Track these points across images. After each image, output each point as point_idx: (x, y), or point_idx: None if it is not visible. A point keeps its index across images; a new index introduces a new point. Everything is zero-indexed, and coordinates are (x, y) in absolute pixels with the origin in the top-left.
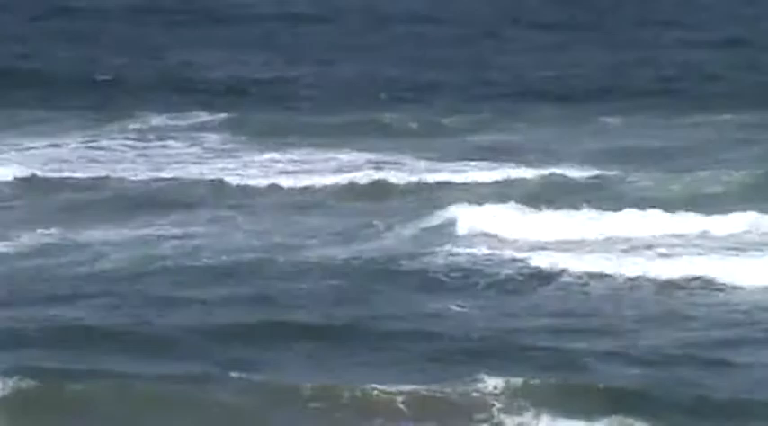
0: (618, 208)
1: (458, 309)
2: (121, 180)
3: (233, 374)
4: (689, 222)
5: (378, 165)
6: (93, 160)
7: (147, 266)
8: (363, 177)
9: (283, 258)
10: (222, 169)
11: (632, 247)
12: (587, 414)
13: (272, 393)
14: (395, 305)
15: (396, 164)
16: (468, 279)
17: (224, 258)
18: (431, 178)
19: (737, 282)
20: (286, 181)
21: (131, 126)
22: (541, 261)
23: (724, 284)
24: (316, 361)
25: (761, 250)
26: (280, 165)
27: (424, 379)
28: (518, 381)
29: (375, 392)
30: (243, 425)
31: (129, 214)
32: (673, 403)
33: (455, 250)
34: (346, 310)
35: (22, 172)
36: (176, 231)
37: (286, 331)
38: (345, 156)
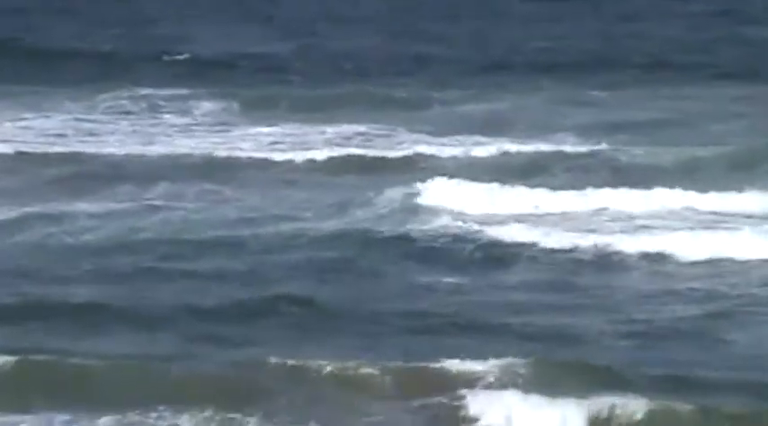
0: (606, 181)
1: (442, 284)
2: (112, 153)
3: (218, 349)
4: (678, 195)
5: (368, 138)
6: (83, 132)
7: (135, 239)
8: (353, 150)
9: (272, 231)
10: (212, 142)
11: (618, 219)
12: (573, 391)
13: (256, 368)
14: (379, 278)
15: (386, 136)
16: (452, 252)
17: (213, 231)
18: (420, 150)
19: (725, 256)
20: (276, 155)
21: (122, 99)
22: (524, 234)
23: (711, 258)
24: (301, 335)
25: (750, 224)
26: (270, 138)
27: (408, 354)
28: (503, 357)
29: (358, 366)
30: (226, 400)
31: (118, 187)
32: (658, 379)
33: (441, 222)
34: (331, 283)
35: (12, 144)
36: (165, 204)
37: (273, 305)
38: (335, 129)
